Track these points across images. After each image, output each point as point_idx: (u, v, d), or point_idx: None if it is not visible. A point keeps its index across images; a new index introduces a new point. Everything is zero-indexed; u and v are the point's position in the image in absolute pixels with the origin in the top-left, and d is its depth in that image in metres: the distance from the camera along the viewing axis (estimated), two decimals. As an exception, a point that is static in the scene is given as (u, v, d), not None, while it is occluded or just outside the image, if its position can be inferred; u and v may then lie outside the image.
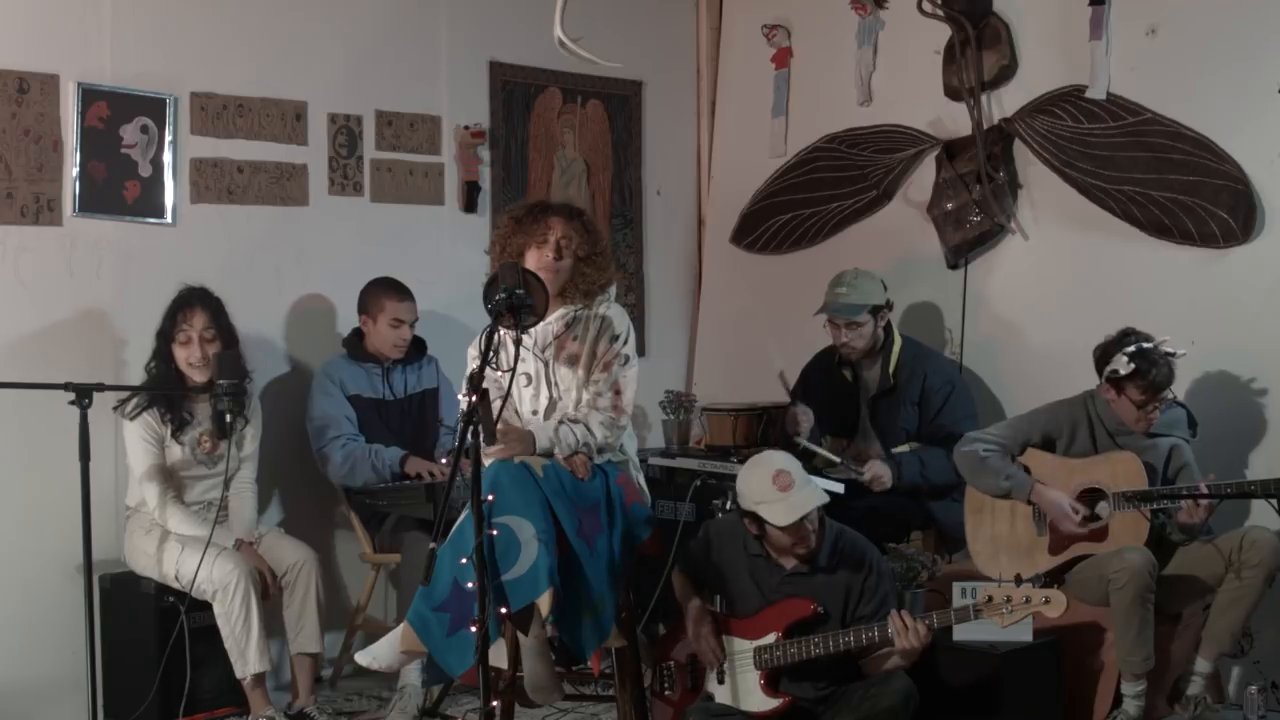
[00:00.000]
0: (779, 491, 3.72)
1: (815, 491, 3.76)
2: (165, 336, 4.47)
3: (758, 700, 3.79)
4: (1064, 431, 4.33)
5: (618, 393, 4.00)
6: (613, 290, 4.13)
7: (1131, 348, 4.15)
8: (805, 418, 4.95)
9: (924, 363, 4.94)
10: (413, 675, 4.41)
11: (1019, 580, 3.76)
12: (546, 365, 4.03)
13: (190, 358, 4.44)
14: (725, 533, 3.97)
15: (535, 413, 4.04)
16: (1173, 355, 4.17)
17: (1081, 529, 4.18)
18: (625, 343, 4.04)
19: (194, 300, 4.49)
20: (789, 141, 5.91)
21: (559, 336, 4.03)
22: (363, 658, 3.99)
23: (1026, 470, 4.32)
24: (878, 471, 4.75)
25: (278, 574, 4.47)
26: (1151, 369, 4.12)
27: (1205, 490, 4.03)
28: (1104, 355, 4.23)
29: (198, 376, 4.43)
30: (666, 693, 4.03)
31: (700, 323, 6.31)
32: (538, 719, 4.52)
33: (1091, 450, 4.28)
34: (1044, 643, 4.00)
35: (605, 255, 4.10)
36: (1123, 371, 4.15)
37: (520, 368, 3.99)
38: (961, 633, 3.84)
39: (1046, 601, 3.60)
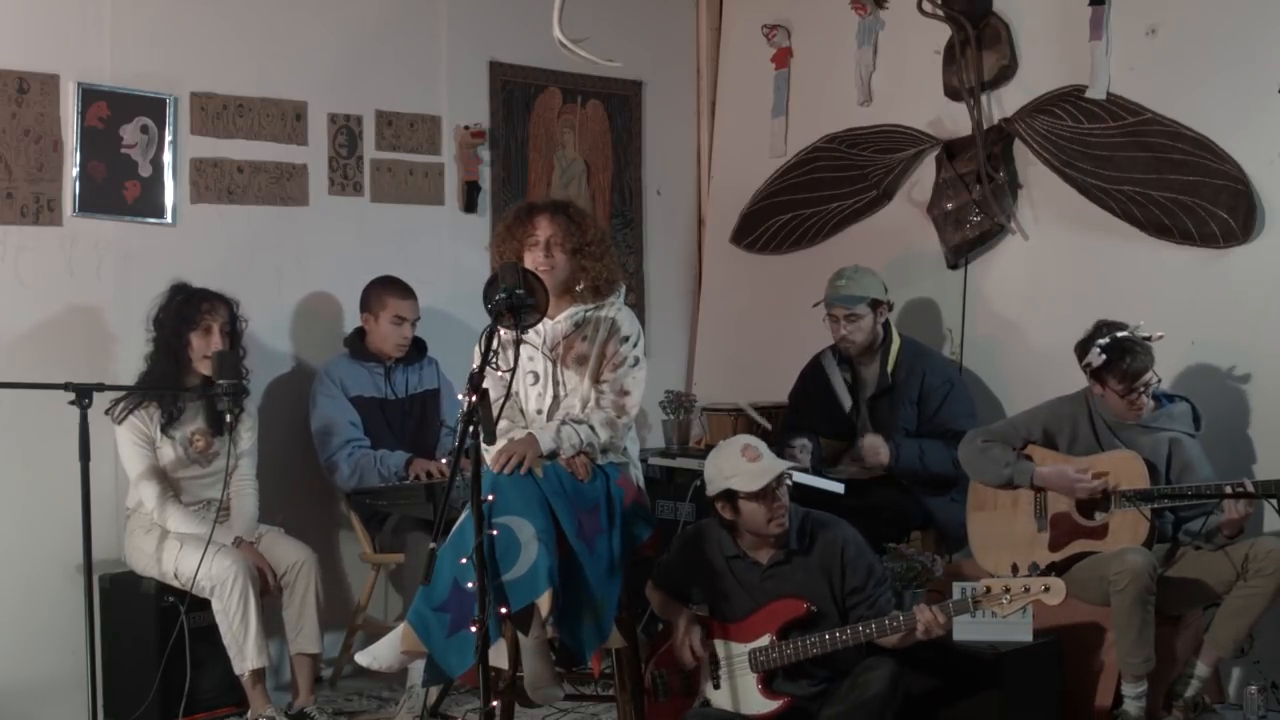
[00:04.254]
0: (748, 462, 3.77)
1: (780, 461, 3.82)
2: (185, 325, 4.43)
3: (757, 703, 3.78)
4: (1065, 427, 4.34)
5: (624, 394, 4.01)
6: (622, 292, 4.13)
7: (1104, 339, 4.18)
8: (804, 455, 4.89)
9: (923, 361, 4.94)
10: (419, 675, 4.41)
11: (1015, 570, 3.76)
12: (554, 364, 4.03)
13: (208, 349, 4.42)
14: (700, 540, 3.96)
15: (540, 411, 4.04)
16: (1148, 339, 4.18)
17: (1095, 485, 4.17)
18: (634, 345, 4.04)
19: (218, 295, 4.50)
20: (789, 141, 5.91)
21: (567, 336, 4.03)
22: (363, 658, 3.99)
23: (1028, 458, 4.34)
24: (875, 443, 4.75)
25: (277, 574, 4.47)
26: (1125, 356, 4.15)
27: (1208, 490, 4.04)
28: (1082, 351, 4.26)
29: (206, 370, 4.42)
30: (660, 699, 4.03)
31: (700, 323, 6.31)
32: (538, 719, 4.52)
33: (1094, 445, 4.28)
34: (1044, 643, 4.00)
35: (601, 244, 4.08)
36: (1095, 364, 4.18)
37: (528, 366, 4.02)
38: (962, 632, 3.84)
39: (1046, 590, 3.59)
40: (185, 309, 4.46)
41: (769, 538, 3.81)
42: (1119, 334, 4.19)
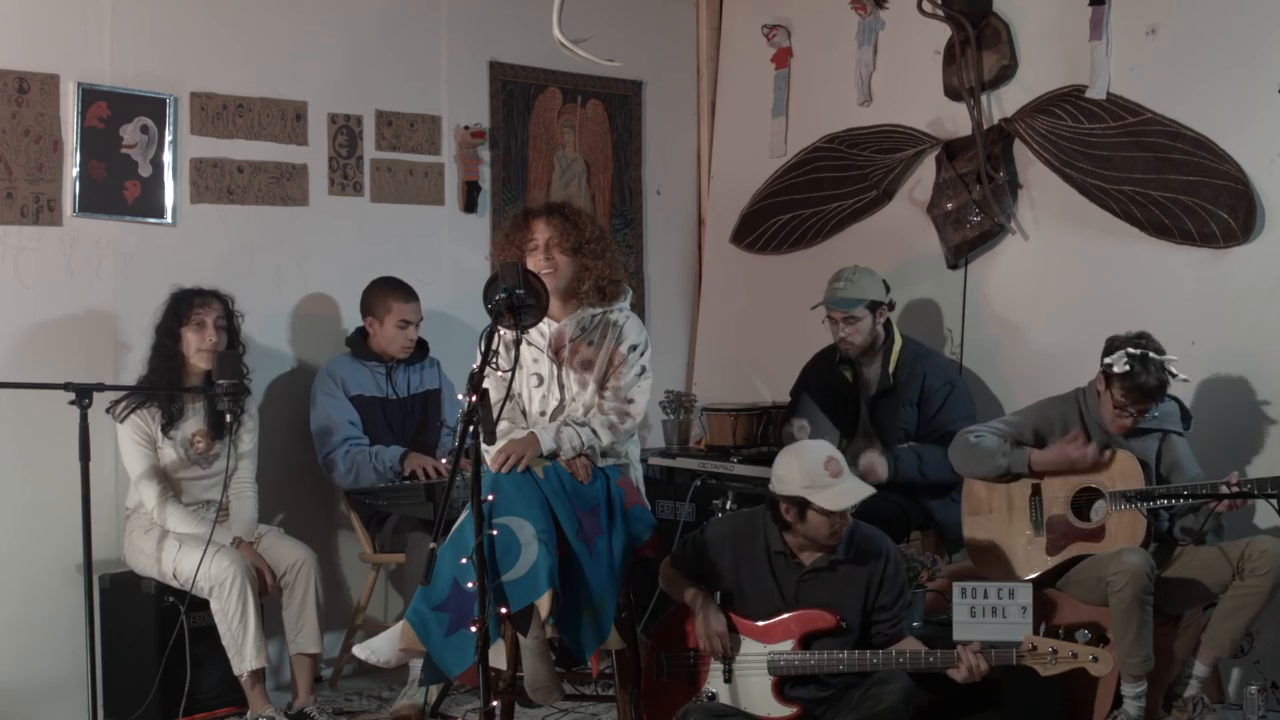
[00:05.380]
0: (831, 477, 3.73)
1: (862, 484, 3.78)
2: (177, 321, 4.44)
3: (767, 705, 3.76)
4: (1055, 428, 4.32)
5: (629, 402, 4.01)
6: (629, 295, 4.13)
7: (1135, 350, 4.12)
8: (802, 434, 4.92)
9: (924, 363, 4.93)
10: (418, 671, 4.41)
11: (1060, 631, 3.75)
12: (558, 367, 4.03)
13: (203, 343, 4.43)
14: (740, 531, 3.92)
15: (543, 414, 4.04)
16: (1173, 375, 4.11)
17: (1097, 455, 4.15)
18: (641, 355, 4.05)
19: (210, 292, 4.52)
20: (789, 141, 5.91)
21: (573, 340, 4.03)
22: (361, 651, 3.99)
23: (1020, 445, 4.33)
24: (871, 461, 4.74)
25: (277, 574, 4.47)
26: (1143, 374, 4.09)
27: (1204, 489, 4.04)
28: (1110, 347, 4.20)
29: (203, 364, 4.42)
30: (663, 679, 4.00)
31: (700, 323, 6.31)
32: (538, 719, 4.52)
33: None
34: (1044, 643, 4.00)
35: (600, 241, 4.09)
36: (1116, 369, 4.13)
37: (532, 368, 4.02)
38: (961, 632, 3.84)
39: (1094, 660, 3.60)
40: (178, 306, 4.47)
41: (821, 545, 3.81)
42: (1153, 355, 4.10)
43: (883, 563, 3.83)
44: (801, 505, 3.74)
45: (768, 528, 3.86)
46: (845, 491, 3.72)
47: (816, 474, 3.73)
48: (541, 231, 4.03)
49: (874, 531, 3.91)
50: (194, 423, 4.50)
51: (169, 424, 4.45)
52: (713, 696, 3.84)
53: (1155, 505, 4.11)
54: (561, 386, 4.04)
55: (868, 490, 3.76)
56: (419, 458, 4.81)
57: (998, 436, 4.34)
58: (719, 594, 3.91)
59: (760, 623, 3.82)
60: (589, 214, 4.26)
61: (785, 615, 3.79)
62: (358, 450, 4.80)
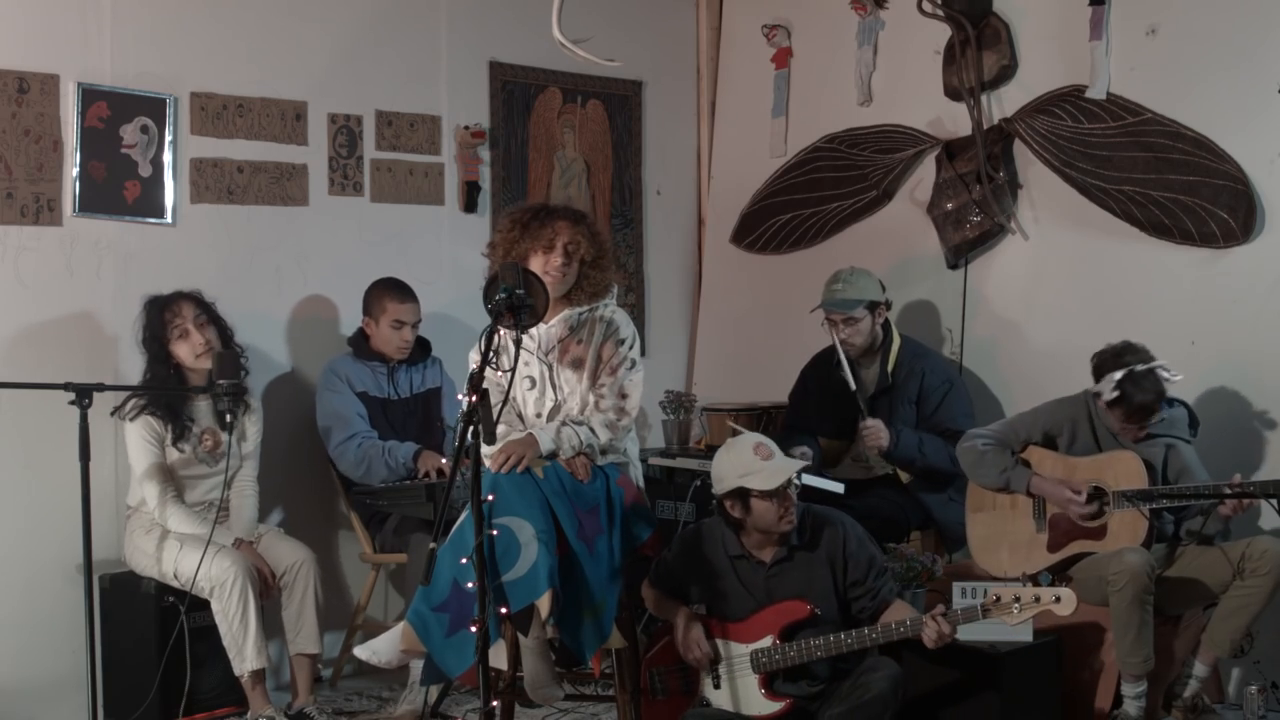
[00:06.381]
0: (762, 460, 3.75)
1: (794, 461, 3.81)
2: (158, 340, 4.45)
3: (758, 703, 3.77)
4: (1064, 430, 4.33)
5: (623, 396, 4.01)
6: (615, 292, 4.13)
7: (1119, 374, 4.10)
8: (805, 460, 4.89)
9: (922, 361, 4.94)
10: (418, 673, 4.41)
11: (1024, 579, 3.75)
12: (550, 368, 4.03)
13: (194, 349, 4.43)
14: (703, 539, 3.95)
15: (540, 415, 4.04)
16: (1166, 379, 4.10)
17: (1087, 511, 4.17)
18: (631, 347, 4.05)
19: (173, 297, 4.49)
20: (789, 141, 5.91)
21: (563, 340, 4.03)
22: (362, 652, 3.99)
23: (1026, 464, 4.34)
24: (876, 426, 4.73)
25: (276, 574, 4.48)
26: (1136, 395, 4.08)
27: (1206, 490, 4.04)
28: (1098, 369, 4.19)
29: (205, 366, 4.42)
30: (659, 696, 4.02)
31: (700, 323, 6.31)
32: (538, 719, 4.52)
33: (1094, 448, 4.28)
34: (1044, 643, 4.00)
35: (609, 257, 4.11)
36: (1106, 398, 4.14)
37: (524, 370, 4.02)
38: (964, 632, 3.84)
39: (1057, 600, 3.59)
40: (154, 326, 4.45)
41: (774, 535, 3.81)
42: (1138, 368, 4.08)
43: (841, 540, 3.83)
44: (743, 496, 3.76)
45: (724, 535, 3.88)
46: (779, 469, 3.74)
47: (748, 461, 3.75)
48: (566, 234, 4.01)
49: (828, 511, 3.92)
50: (202, 421, 4.51)
51: (180, 437, 4.45)
52: (706, 703, 3.86)
53: (1157, 506, 4.11)
54: (555, 387, 4.04)
55: (798, 464, 3.78)
56: (433, 456, 4.79)
57: (1003, 448, 4.35)
58: (703, 603, 3.91)
59: (739, 624, 3.83)
60: (603, 230, 4.27)
61: (760, 612, 3.80)
62: (370, 445, 4.79)
